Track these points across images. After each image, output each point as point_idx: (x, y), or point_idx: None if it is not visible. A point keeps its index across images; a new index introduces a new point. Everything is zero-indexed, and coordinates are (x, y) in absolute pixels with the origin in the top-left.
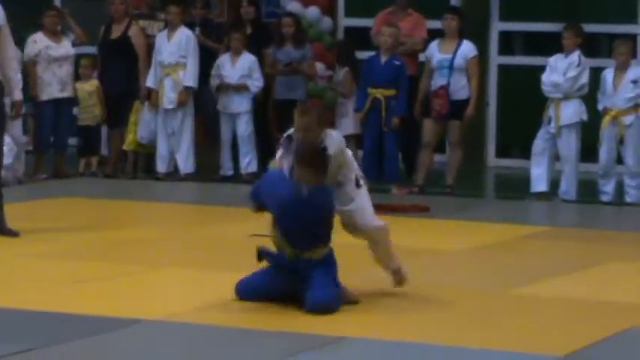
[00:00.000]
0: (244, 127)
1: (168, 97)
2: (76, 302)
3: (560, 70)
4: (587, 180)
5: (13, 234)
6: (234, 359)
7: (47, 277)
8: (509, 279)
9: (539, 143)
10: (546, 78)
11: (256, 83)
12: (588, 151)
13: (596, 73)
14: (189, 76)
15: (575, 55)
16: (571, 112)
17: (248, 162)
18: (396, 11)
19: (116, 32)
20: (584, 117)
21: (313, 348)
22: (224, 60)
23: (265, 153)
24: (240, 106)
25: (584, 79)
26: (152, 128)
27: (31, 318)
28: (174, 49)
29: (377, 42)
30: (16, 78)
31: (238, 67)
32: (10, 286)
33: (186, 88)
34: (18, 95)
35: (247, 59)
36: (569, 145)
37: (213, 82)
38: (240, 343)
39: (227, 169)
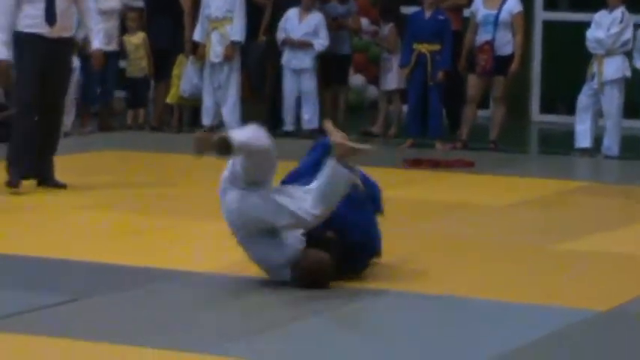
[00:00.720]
0: (307, 84)
1: (215, 50)
2: (121, 254)
3: (604, 26)
4: (630, 136)
5: (60, 186)
6: (288, 312)
7: (93, 229)
8: (550, 234)
9: (583, 99)
10: (590, 34)
11: (321, 42)
12: (632, 107)
13: None
14: (236, 31)
15: (619, 12)
16: (614, 68)
17: (309, 118)
18: None
19: None
20: (628, 73)
21: (357, 300)
22: (291, 14)
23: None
24: (302, 62)
25: (628, 35)
26: (195, 82)
27: (76, 269)
28: (222, 4)
29: None
30: (96, 28)
31: (304, 24)
32: (55, 237)
33: (233, 43)
34: (95, 45)
35: (315, 17)
36: (612, 101)
37: (279, 35)
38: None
39: (289, 124)
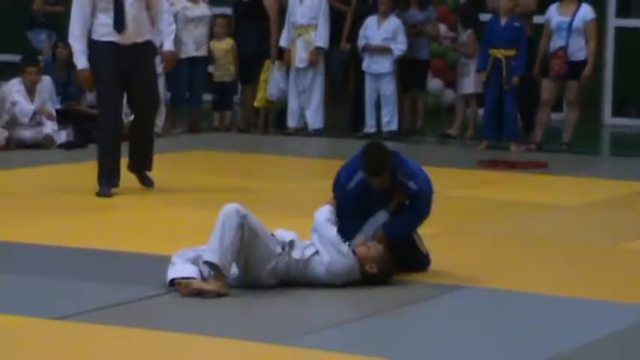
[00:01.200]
0: (386, 87)
1: (300, 56)
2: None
3: None
4: None
5: (150, 183)
6: (355, 310)
7: (181, 226)
8: (620, 234)
9: None
10: None
11: (399, 46)
12: None
13: None
14: (320, 37)
15: None
16: None
17: (388, 120)
18: None
19: None
20: None
21: (431, 296)
22: (370, 21)
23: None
24: (382, 67)
25: None
26: (281, 86)
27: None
28: (307, 11)
29: (491, 5)
30: (168, 30)
31: (383, 30)
32: (148, 232)
33: (318, 49)
34: (167, 45)
35: (393, 22)
36: None
37: (360, 42)
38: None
39: (370, 126)
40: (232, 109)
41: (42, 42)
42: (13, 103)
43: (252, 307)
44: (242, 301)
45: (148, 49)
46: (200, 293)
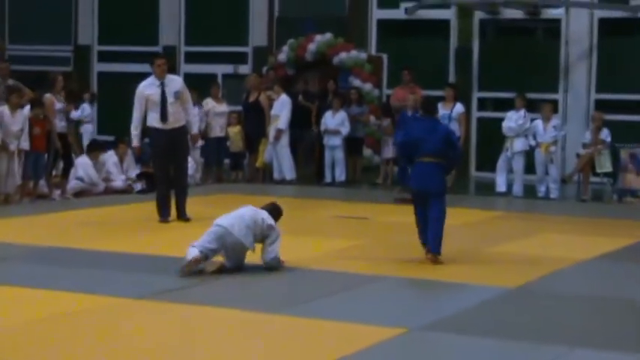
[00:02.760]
0: (338, 154)
1: (272, 135)
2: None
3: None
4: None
5: (187, 219)
6: (368, 303)
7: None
8: (488, 242)
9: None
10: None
11: (345, 129)
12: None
13: None
14: (281, 123)
15: (522, 111)
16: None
17: (339, 175)
18: (403, 86)
19: (252, 98)
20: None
21: (440, 293)
22: (328, 114)
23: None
24: (335, 142)
25: (527, 125)
26: (272, 154)
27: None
28: (278, 108)
29: (395, 105)
30: (193, 120)
31: (335, 119)
32: (182, 243)
33: (279, 130)
34: (194, 130)
35: (341, 114)
36: (518, 164)
37: (322, 127)
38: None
39: (327, 178)
40: (243, 169)
41: None
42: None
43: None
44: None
45: (182, 131)
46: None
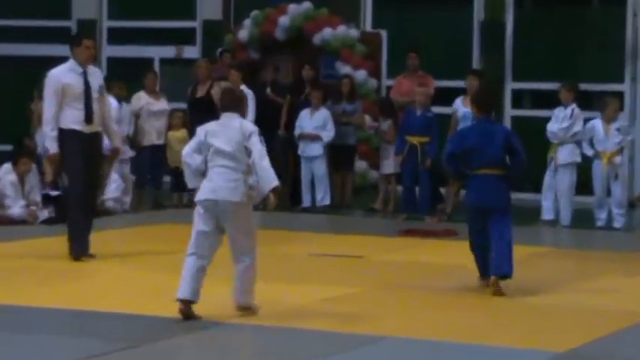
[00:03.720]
0: (319, 168)
1: None
2: (168, 308)
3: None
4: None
5: (90, 255)
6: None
7: (149, 289)
8: (520, 289)
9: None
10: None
11: (328, 134)
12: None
13: None
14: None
15: (570, 108)
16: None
17: (322, 197)
18: (408, 75)
19: (201, 92)
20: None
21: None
22: (304, 113)
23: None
24: (314, 151)
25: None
26: None
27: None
28: None
29: (397, 100)
30: (114, 127)
31: (314, 119)
32: (110, 292)
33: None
34: (117, 142)
35: (323, 113)
36: (564, 180)
37: (296, 131)
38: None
39: (306, 201)
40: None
41: None
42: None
43: None
44: None
45: (101, 139)
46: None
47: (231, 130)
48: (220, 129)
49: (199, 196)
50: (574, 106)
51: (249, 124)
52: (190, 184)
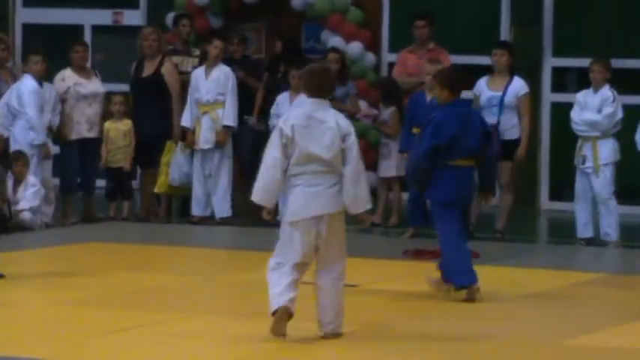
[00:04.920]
0: None
1: (206, 136)
2: (108, 354)
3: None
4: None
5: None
6: None
7: (77, 327)
8: (560, 329)
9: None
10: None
11: None
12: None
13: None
14: (228, 115)
15: (606, 90)
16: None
17: None
18: (416, 48)
19: (148, 70)
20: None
21: None
22: (282, 98)
23: None
24: None
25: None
26: (185, 170)
27: None
28: (213, 87)
29: (402, 81)
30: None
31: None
32: (39, 335)
33: (226, 128)
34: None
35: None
36: (605, 185)
37: (272, 121)
38: None
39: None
40: (131, 198)
41: None
42: None
43: None
44: None
45: None
46: None
47: (327, 129)
48: (312, 124)
49: (295, 214)
50: (610, 89)
51: (344, 120)
52: (264, 200)
